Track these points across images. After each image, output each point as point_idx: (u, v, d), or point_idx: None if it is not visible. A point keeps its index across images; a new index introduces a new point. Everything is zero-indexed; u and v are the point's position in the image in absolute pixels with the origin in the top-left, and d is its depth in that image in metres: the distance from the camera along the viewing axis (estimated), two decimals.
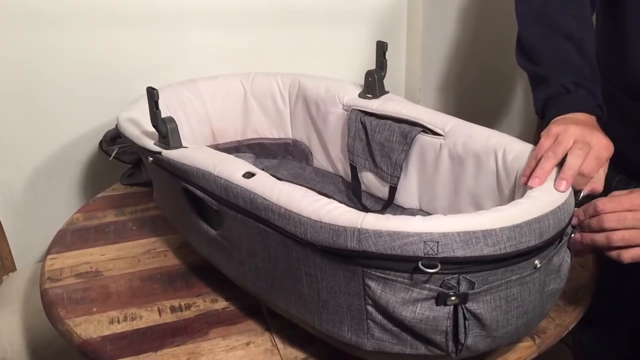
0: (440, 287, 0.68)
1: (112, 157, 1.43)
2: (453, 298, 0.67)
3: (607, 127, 0.87)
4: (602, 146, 0.81)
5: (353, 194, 1.18)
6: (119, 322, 0.93)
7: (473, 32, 1.65)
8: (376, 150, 1.11)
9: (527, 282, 0.71)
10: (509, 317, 0.72)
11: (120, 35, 1.47)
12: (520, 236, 0.68)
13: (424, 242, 0.66)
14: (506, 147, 0.91)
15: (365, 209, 1.14)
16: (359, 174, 1.17)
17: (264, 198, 0.79)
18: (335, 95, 1.19)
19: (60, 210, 1.51)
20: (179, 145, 0.97)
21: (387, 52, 1.12)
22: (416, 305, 0.69)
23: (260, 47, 1.59)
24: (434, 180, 1.04)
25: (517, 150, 0.90)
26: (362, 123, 1.13)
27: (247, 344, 0.87)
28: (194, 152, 0.93)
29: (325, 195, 1.17)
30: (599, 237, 0.77)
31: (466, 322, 0.69)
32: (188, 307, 0.96)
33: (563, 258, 0.78)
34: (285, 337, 0.88)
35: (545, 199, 0.74)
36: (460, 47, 1.68)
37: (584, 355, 1.37)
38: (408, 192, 1.10)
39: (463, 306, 0.68)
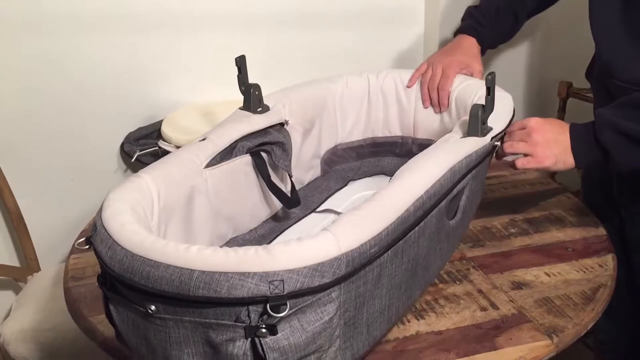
0: None
1: (134, 158, 1.46)
2: None
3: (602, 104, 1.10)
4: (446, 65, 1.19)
5: None
6: None
7: None
8: None
9: None
10: None
11: (140, 40, 1.49)
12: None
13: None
14: None
15: None
16: None
17: None
18: None
19: (83, 211, 1.53)
20: (257, 107, 1.08)
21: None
22: None
23: (280, 50, 1.60)
24: None
25: None
26: None
27: None
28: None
29: None
30: (499, 149, 1.01)
31: None
32: None
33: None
34: None
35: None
36: None
37: (599, 351, 1.36)
38: None
39: None
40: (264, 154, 1.07)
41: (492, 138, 0.97)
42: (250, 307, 0.63)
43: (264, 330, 0.64)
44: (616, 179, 1.16)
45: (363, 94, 1.25)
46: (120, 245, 0.69)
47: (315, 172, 1.24)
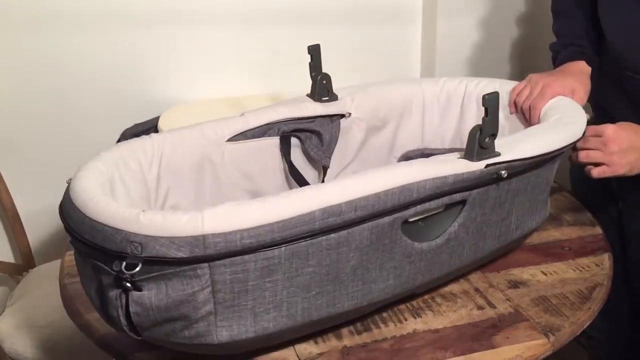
0: None
1: None
2: None
3: (607, 96, 1.12)
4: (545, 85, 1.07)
5: None
6: None
7: (487, 25, 1.65)
8: None
9: None
10: None
11: (138, 37, 1.49)
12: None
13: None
14: None
15: None
16: None
17: None
18: None
19: None
20: (322, 96, 1.11)
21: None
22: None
23: (278, 47, 1.60)
24: None
25: None
26: None
27: None
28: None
29: None
30: (573, 155, 1.00)
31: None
32: None
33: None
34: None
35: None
36: (475, 38, 1.68)
37: (591, 348, 1.37)
38: None
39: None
40: (295, 140, 1.08)
41: (489, 165, 0.87)
42: (121, 260, 0.70)
43: (128, 284, 0.70)
44: None
45: (457, 100, 1.19)
46: (69, 191, 0.80)
47: None
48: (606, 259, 1.04)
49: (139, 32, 1.48)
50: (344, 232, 0.78)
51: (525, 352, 0.84)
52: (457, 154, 0.90)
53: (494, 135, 0.87)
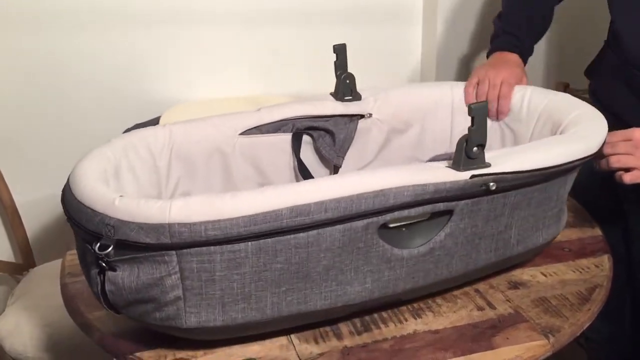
0: None
1: None
2: None
3: (617, 97, 1.12)
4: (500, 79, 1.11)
5: None
6: None
7: (487, 25, 1.65)
8: None
9: None
10: None
11: (138, 37, 1.49)
12: None
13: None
14: None
15: None
16: None
17: None
18: None
19: None
20: (345, 95, 1.12)
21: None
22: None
23: (277, 47, 1.60)
24: None
25: None
26: None
27: (263, 339, 0.88)
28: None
29: None
30: (602, 162, 0.97)
31: None
32: None
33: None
34: (301, 333, 0.89)
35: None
36: (474, 38, 1.68)
37: (590, 350, 1.38)
38: None
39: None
40: (308, 137, 1.09)
41: (475, 176, 0.84)
42: (98, 241, 0.75)
43: (103, 263, 0.76)
44: None
45: None
46: (69, 177, 0.84)
47: None
48: (606, 261, 1.04)
49: (139, 32, 1.48)
50: (313, 232, 0.79)
51: (525, 353, 0.85)
52: (445, 163, 0.87)
53: (482, 146, 0.84)
